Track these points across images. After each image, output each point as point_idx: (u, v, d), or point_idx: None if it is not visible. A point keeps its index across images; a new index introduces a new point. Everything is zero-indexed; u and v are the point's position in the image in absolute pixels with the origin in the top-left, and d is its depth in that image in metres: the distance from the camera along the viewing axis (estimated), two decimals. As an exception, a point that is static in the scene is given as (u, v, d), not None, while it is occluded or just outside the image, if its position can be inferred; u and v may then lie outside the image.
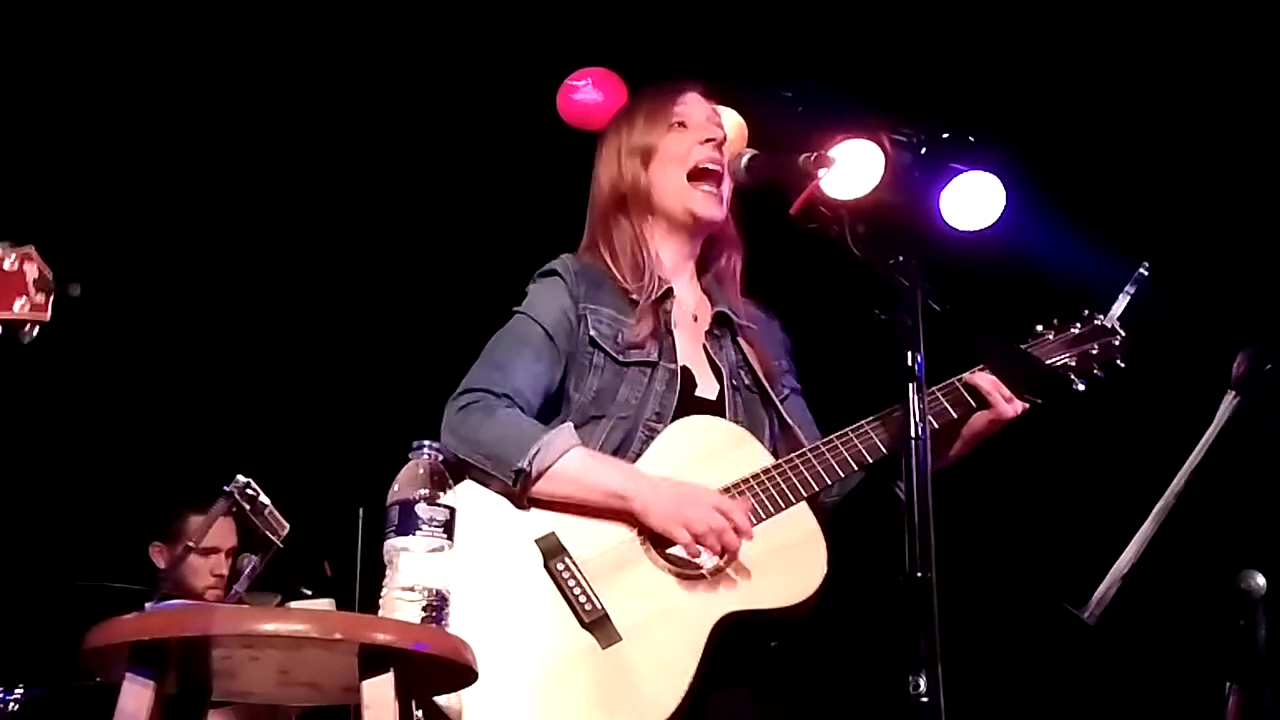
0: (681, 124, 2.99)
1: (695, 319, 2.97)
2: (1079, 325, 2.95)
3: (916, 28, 5.10)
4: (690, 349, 2.92)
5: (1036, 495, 5.30)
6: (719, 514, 2.66)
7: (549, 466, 2.69)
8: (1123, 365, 2.94)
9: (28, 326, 2.65)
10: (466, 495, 2.65)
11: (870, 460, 2.80)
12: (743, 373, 2.95)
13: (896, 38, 5.12)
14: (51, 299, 2.67)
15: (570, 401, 2.83)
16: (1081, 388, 2.90)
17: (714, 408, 2.87)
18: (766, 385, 2.94)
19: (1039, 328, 2.96)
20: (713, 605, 2.64)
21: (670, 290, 2.93)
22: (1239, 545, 2.84)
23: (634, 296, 2.89)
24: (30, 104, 4.84)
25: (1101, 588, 2.81)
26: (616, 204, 2.98)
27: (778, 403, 2.94)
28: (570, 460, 2.71)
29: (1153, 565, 2.82)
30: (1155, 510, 2.85)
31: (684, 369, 2.88)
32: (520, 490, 2.70)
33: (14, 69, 4.76)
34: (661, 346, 2.88)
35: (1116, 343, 2.93)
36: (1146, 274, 2.95)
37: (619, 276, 2.92)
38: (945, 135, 5.19)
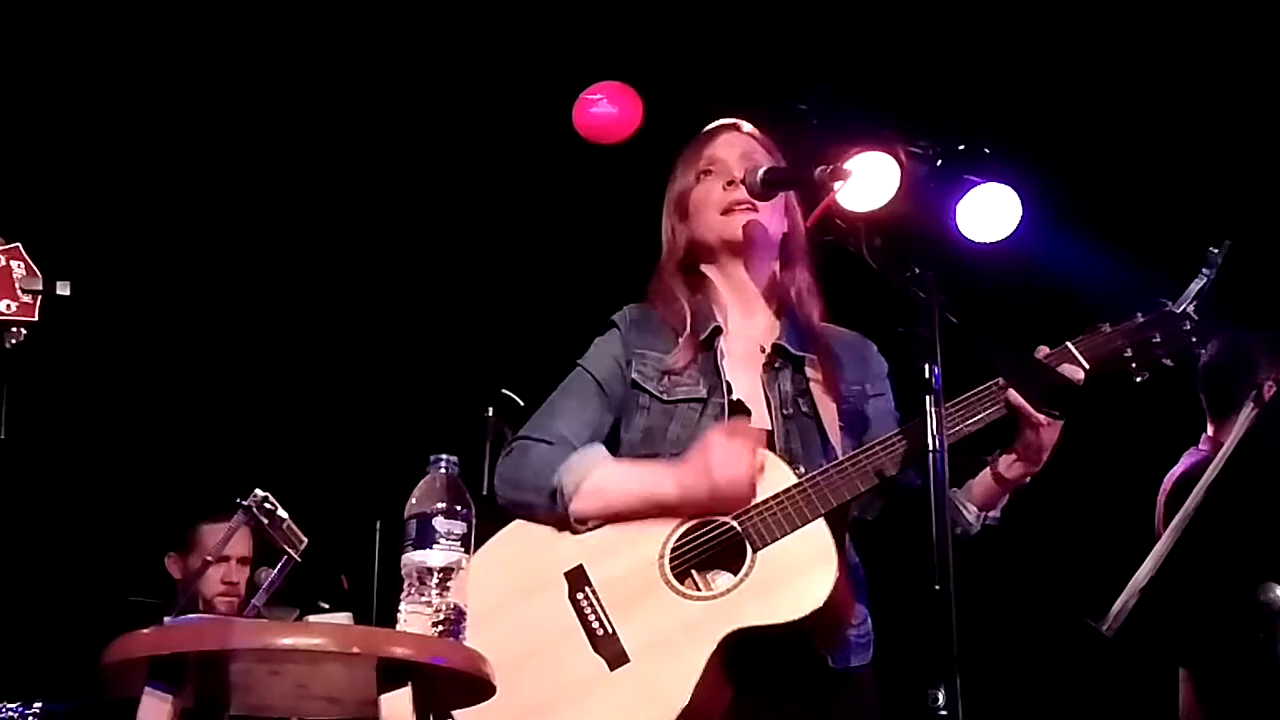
0: (709, 170, 3.02)
1: (762, 350, 2.96)
2: (1142, 314, 2.83)
3: (932, 40, 5.10)
4: (748, 381, 2.92)
5: (1055, 507, 5.29)
6: (740, 463, 2.72)
7: (580, 482, 2.77)
8: (1198, 350, 2.85)
9: (13, 329, 2.56)
10: (511, 535, 2.82)
11: (894, 473, 2.77)
12: (801, 401, 2.93)
13: (912, 50, 5.12)
14: (39, 300, 2.58)
15: (622, 443, 2.92)
16: (1139, 380, 2.81)
17: (766, 439, 2.87)
18: (825, 411, 2.91)
19: (1096, 323, 2.85)
20: (720, 623, 2.66)
21: (718, 329, 2.94)
22: (1259, 558, 2.82)
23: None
24: (28, 100, 4.85)
25: (1120, 600, 2.79)
26: (668, 255, 3.06)
27: (836, 429, 2.90)
28: (599, 474, 2.79)
29: (1172, 578, 2.81)
30: (1175, 522, 2.83)
31: (736, 403, 2.88)
32: (562, 512, 2.78)
33: (6, 64, 4.77)
34: (711, 383, 2.90)
35: (1187, 327, 2.80)
36: (1219, 253, 2.81)
37: (670, 323, 2.98)
38: (961, 147, 5.20)
